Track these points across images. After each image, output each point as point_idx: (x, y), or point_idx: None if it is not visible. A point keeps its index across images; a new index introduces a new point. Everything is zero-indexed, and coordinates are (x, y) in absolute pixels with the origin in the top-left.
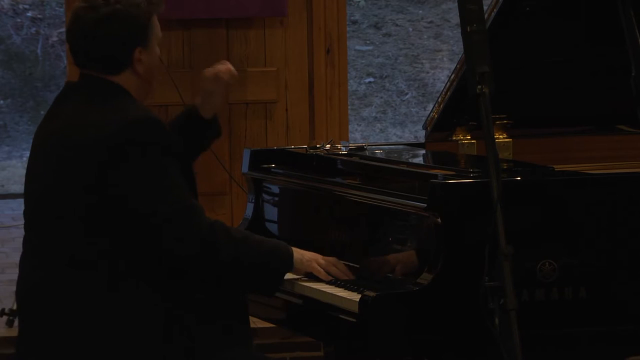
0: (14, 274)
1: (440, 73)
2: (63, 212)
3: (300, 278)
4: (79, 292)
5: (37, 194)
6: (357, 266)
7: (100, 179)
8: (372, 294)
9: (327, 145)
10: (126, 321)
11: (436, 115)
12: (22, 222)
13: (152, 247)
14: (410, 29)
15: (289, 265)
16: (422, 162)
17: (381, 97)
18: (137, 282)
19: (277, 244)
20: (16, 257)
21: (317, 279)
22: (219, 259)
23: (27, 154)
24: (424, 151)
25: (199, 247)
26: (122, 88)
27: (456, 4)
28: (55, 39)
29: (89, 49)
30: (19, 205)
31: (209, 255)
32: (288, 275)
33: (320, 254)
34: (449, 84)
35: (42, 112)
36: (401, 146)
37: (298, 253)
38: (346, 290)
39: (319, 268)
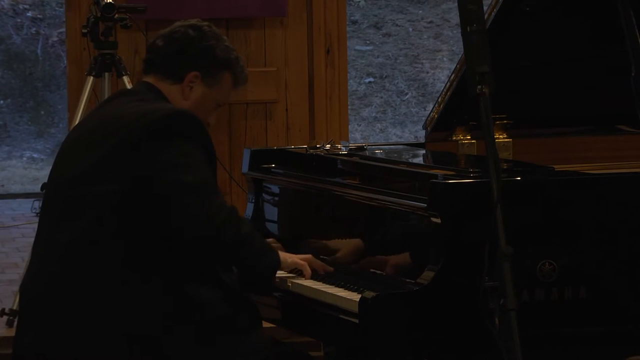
0: (14, 274)
1: (440, 73)
2: (89, 197)
3: (300, 278)
4: (92, 277)
5: (68, 179)
6: (357, 266)
7: (129, 162)
8: (372, 294)
9: (327, 145)
10: (136, 307)
11: (436, 115)
12: (22, 222)
13: (161, 229)
14: (410, 29)
15: (278, 265)
16: (422, 162)
17: (381, 97)
18: (148, 269)
19: (270, 246)
20: (16, 257)
21: (316, 279)
22: (226, 240)
23: (27, 154)
24: (424, 151)
25: (212, 226)
26: (167, 100)
27: (456, 4)
28: (55, 39)
29: (162, 50)
30: (19, 205)
31: (218, 235)
32: (288, 276)
33: (320, 254)
34: (449, 84)
35: (42, 112)
36: (401, 146)
37: (281, 255)
38: (346, 290)
39: (302, 262)
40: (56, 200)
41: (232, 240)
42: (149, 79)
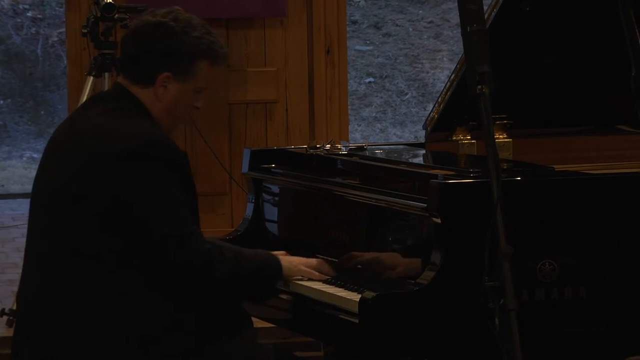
0: (14, 274)
1: (440, 73)
2: (72, 212)
3: (299, 278)
4: (83, 288)
5: (49, 191)
6: (357, 266)
7: (108, 191)
8: (371, 293)
9: (327, 145)
10: (128, 317)
11: (436, 115)
12: (23, 222)
13: (154, 255)
14: (410, 29)
15: (278, 276)
16: (422, 162)
17: (381, 97)
18: (141, 279)
19: (266, 258)
20: (16, 257)
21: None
22: (214, 278)
23: (27, 154)
24: (424, 151)
25: (195, 270)
26: (142, 105)
27: (456, 4)
28: (55, 39)
29: (129, 52)
30: (19, 205)
31: (204, 276)
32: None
33: (320, 254)
34: (449, 84)
35: (42, 112)
36: (401, 146)
37: (285, 261)
38: (346, 290)
39: (308, 269)
40: (41, 212)
41: (221, 276)
42: (122, 81)
